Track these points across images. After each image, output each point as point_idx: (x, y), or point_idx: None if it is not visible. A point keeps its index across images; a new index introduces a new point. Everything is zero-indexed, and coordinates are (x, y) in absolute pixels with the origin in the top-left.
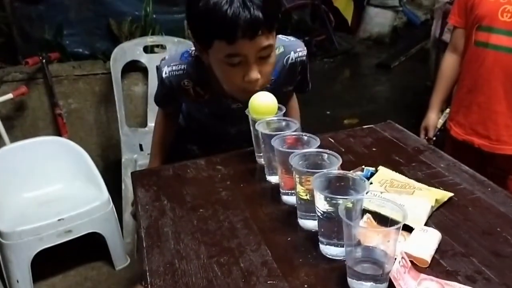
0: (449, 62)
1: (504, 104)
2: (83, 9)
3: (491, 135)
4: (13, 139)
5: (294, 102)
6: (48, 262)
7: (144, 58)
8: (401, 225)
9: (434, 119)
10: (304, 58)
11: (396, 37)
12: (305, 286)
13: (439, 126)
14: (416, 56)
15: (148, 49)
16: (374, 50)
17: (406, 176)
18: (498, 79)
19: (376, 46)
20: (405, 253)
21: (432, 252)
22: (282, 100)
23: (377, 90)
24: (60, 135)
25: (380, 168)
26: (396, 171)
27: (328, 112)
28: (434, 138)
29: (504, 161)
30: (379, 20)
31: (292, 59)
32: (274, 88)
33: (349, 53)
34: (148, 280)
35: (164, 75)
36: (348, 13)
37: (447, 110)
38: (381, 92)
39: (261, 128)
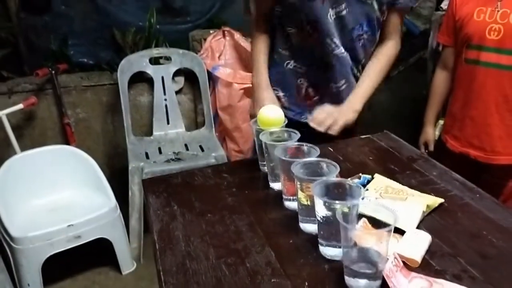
0: (440, 79)
1: (496, 117)
2: (88, 20)
3: (486, 146)
4: (23, 147)
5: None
6: (57, 266)
7: (150, 69)
8: (392, 227)
9: (432, 133)
10: None
11: None
12: (306, 283)
13: (436, 138)
14: (414, 65)
15: (153, 60)
16: None
17: (400, 183)
18: (490, 93)
19: None
20: (398, 253)
21: (423, 253)
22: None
23: (376, 99)
24: (68, 143)
25: (376, 175)
26: (391, 179)
27: None
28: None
29: (498, 170)
30: None
31: None
32: None
33: None
34: (162, 279)
35: None
36: None
37: (441, 122)
38: (380, 101)
39: (264, 139)
